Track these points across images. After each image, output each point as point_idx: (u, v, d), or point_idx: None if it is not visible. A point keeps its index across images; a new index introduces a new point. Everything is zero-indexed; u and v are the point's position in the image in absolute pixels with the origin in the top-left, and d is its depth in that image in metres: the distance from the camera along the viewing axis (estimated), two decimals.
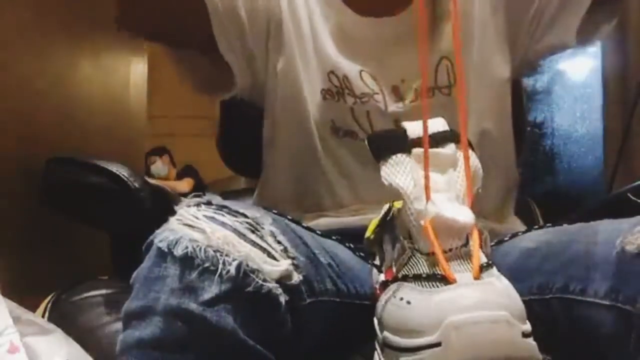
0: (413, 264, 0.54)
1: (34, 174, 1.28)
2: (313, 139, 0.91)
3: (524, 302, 0.50)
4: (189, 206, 0.60)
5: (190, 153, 4.74)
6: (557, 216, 0.88)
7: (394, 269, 0.56)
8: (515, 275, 0.59)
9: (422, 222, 0.53)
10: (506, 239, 0.79)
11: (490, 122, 0.92)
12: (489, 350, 0.46)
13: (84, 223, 1.32)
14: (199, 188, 4.32)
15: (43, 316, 1.04)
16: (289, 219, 0.70)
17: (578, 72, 2.12)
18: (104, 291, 1.06)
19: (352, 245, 0.77)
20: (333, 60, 0.91)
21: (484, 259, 0.52)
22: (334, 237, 0.77)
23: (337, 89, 0.91)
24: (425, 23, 0.68)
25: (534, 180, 2.87)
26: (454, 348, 0.46)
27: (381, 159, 0.59)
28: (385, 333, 0.51)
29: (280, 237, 0.61)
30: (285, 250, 0.60)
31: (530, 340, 0.48)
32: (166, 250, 0.56)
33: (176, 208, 0.61)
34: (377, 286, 0.60)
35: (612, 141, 1.69)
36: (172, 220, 0.59)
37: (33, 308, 1.08)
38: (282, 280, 0.58)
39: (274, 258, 0.59)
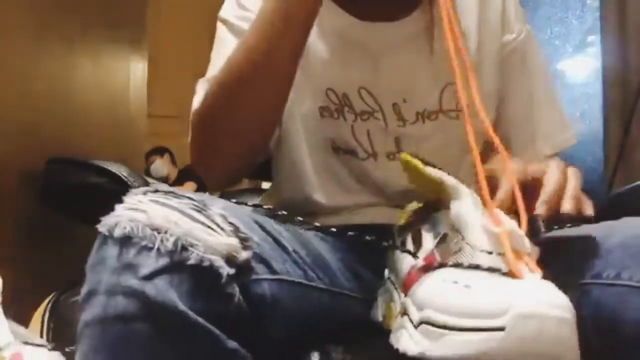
0: (466, 255, 0.55)
1: (34, 174, 1.28)
2: (305, 157, 0.89)
3: None
4: (136, 194, 0.60)
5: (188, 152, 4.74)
6: (556, 216, 0.87)
7: (437, 256, 0.57)
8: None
9: (493, 229, 0.54)
10: None
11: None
12: (549, 347, 0.47)
13: (84, 223, 1.32)
14: (199, 190, 4.31)
15: (43, 317, 1.04)
16: (252, 206, 0.70)
17: (578, 72, 2.12)
18: None
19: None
20: (331, 77, 0.88)
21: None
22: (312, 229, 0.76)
23: (336, 106, 0.88)
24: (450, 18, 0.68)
25: None
26: (517, 336, 0.46)
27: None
28: (429, 311, 0.52)
29: (232, 219, 0.60)
30: (237, 230, 0.60)
31: (578, 349, 0.49)
32: (107, 234, 0.57)
33: (124, 197, 0.61)
34: (412, 270, 0.60)
35: (612, 141, 1.69)
36: (118, 206, 0.59)
37: (33, 308, 1.08)
38: (230, 255, 0.58)
39: (220, 235, 0.59)
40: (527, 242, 0.55)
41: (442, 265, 0.56)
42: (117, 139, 1.81)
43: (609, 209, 0.75)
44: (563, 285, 0.52)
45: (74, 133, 1.54)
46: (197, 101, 0.86)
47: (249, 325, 0.60)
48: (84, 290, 0.59)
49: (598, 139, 1.78)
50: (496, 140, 0.61)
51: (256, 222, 0.66)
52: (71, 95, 1.58)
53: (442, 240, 0.59)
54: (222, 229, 0.59)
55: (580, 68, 2.11)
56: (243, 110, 0.80)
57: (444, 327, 0.50)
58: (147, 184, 1.19)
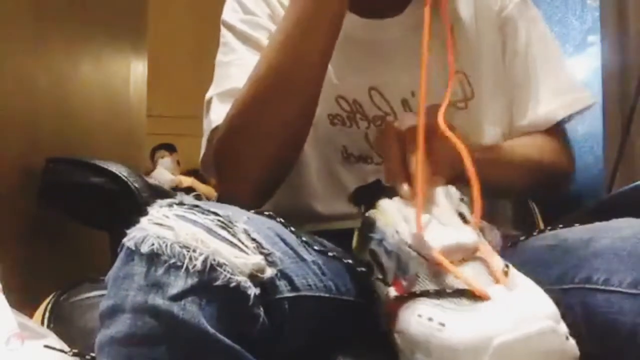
0: (426, 278, 0.54)
1: (34, 174, 1.28)
2: (311, 164, 0.89)
3: None
4: (161, 207, 0.60)
5: (189, 153, 4.75)
6: (556, 216, 0.87)
7: (404, 283, 0.56)
8: (532, 268, 0.60)
9: (429, 256, 0.54)
10: (522, 238, 0.78)
11: (501, 131, 0.93)
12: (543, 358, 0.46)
13: (83, 223, 1.32)
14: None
15: (43, 317, 1.03)
16: (270, 216, 0.69)
17: (578, 72, 2.12)
18: (103, 292, 1.05)
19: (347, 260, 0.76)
20: (340, 84, 0.87)
21: (501, 263, 0.53)
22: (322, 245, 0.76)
23: (347, 113, 0.87)
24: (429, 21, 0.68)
25: None
26: None
27: (367, 209, 0.61)
28: (420, 356, 0.51)
29: (255, 235, 0.60)
30: (259, 246, 0.60)
31: (572, 340, 0.48)
32: (134, 248, 0.57)
33: (149, 209, 0.60)
34: (389, 301, 0.60)
35: (612, 141, 1.68)
36: (143, 220, 0.59)
37: (33, 309, 1.07)
38: (255, 274, 0.58)
39: (246, 253, 0.59)
40: (474, 241, 0.53)
41: (411, 294, 0.55)
42: (117, 139, 1.81)
43: (609, 209, 0.75)
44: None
45: (74, 133, 1.54)
46: (215, 120, 0.84)
47: (269, 341, 0.60)
48: (107, 302, 0.58)
49: (598, 139, 1.78)
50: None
51: (277, 235, 0.66)
52: (71, 95, 1.58)
53: (398, 259, 0.57)
54: (246, 246, 0.59)
55: (580, 68, 2.10)
56: (276, 124, 0.78)
57: None
58: (147, 184, 1.18)
